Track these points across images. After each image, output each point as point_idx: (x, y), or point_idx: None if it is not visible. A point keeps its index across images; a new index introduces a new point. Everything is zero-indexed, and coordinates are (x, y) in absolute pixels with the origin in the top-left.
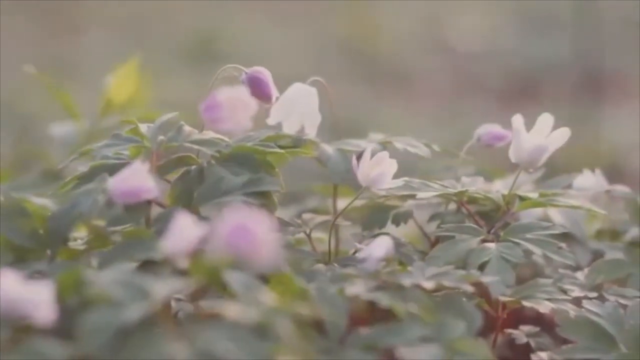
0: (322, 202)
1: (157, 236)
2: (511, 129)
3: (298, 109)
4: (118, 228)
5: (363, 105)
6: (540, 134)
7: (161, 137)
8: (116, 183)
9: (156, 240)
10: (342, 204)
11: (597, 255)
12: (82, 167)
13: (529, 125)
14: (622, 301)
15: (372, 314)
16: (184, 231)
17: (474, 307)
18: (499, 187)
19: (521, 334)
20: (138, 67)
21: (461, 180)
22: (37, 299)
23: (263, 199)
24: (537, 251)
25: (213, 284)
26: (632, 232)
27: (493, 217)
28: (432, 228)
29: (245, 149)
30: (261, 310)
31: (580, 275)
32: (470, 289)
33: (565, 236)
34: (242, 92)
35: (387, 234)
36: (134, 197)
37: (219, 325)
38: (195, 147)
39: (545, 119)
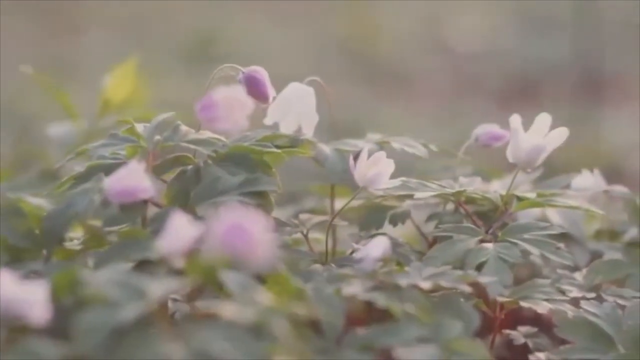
0: (320, 203)
1: (153, 236)
2: (509, 129)
3: (295, 108)
4: (114, 228)
5: (362, 105)
6: (538, 134)
7: (157, 137)
8: (112, 183)
9: (152, 240)
10: (339, 204)
11: (596, 255)
12: (79, 167)
13: (528, 126)
14: (621, 302)
15: (369, 314)
16: (180, 231)
17: (471, 308)
18: (496, 187)
19: (519, 334)
20: (136, 67)
21: (459, 180)
22: (32, 299)
23: (260, 199)
24: (534, 251)
25: (209, 284)
26: (631, 233)
27: (491, 217)
28: (429, 228)
29: (242, 148)
30: (257, 310)
31: (578, 276)
32: (467, 289)
33: (564, 236)
34: (238, 92)
35: (384, 234)
36: (130, 197)
37: (215, 325)
38: (192, 146)
39: (543, 119)
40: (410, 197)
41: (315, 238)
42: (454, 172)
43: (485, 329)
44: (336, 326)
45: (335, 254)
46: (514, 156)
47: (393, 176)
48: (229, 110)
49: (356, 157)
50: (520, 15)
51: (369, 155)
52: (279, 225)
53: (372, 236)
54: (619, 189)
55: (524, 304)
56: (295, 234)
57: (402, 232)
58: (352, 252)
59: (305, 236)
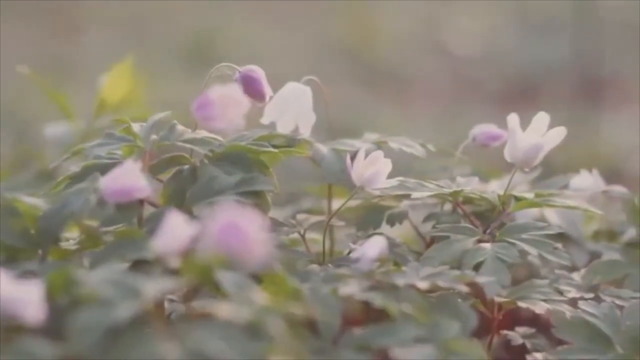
0: (317, 203)
1: (149, 236)
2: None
3: (292, 108)
4: (110, 228)
5: (361, 106)
6: (536, 133)
7: (154, 137)
8: (108, 182)
9: (148, 240)
10: (336, 204)
11: (594, 256)
12: (75, 167)
13: (527, 127)
14: (619, 302)
15: (366, 314)
16: (175, 230)
17: (469, 308)
18: (494, 187)
19: (517, 335)
20: (132, 67)
21: (456, 180)
22: (28, 298)
23: (256, 199)
24: (532, 251)
25: (205, 284)
26: (630, 233)
27: (488, 218)
28: (427, 228)
29: (239, 148)
30: (253, 309)
31: (576, 276)
32: (465, 289)
33: (562, 237)
34: (234, 90)
35: (381, 234)
36: (126, 197)
37: (211, 325)
38: (188, 146)
39: (541, 118)
40: (408, 197)
41: (313, 238)
42: (452, 172)
43: (483, 330)
44: (333, 326)
45: (332, 254)
46: (512, 155)
47: (390, 176)
48: (224, 108)
49: (353, 157)
50: (520, 17)
51: (367, 155)
52: (276, 225)
53: (370, 236)
54: (618, 189)
55: (521, 304)
56: (293, 234)
57: (400, 232)
58: (349, 252)
59: (303, 236)
